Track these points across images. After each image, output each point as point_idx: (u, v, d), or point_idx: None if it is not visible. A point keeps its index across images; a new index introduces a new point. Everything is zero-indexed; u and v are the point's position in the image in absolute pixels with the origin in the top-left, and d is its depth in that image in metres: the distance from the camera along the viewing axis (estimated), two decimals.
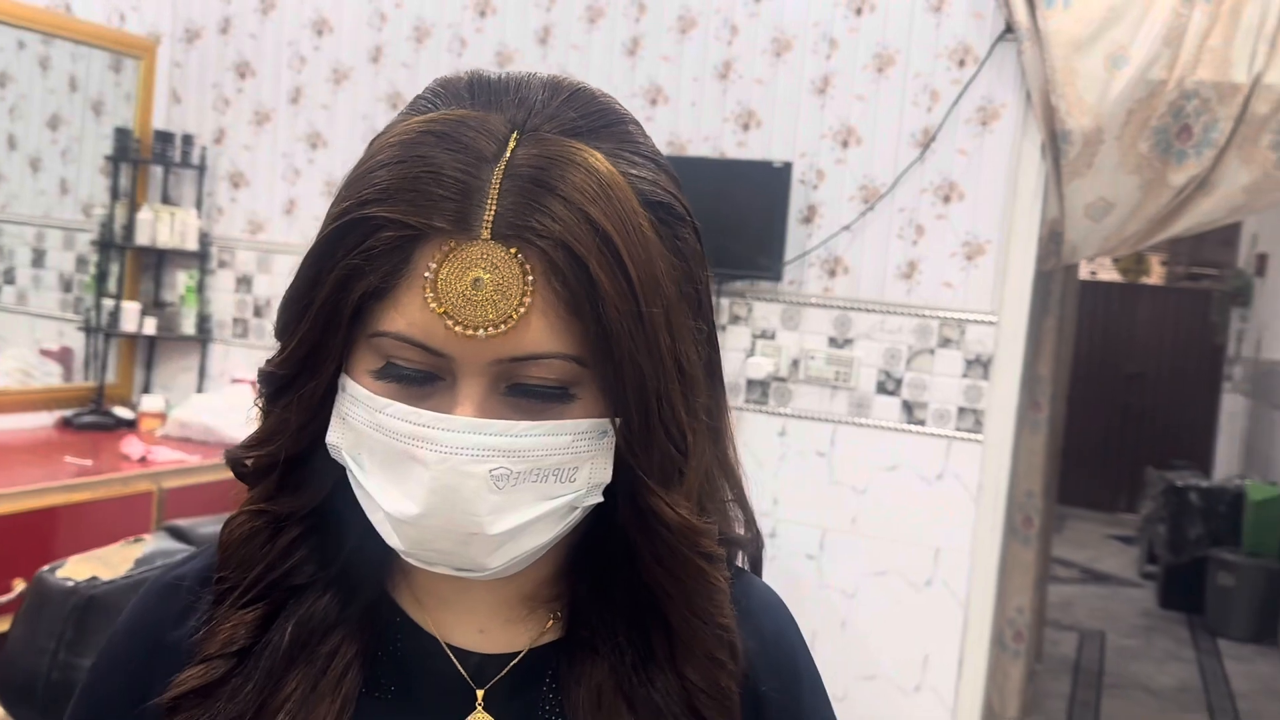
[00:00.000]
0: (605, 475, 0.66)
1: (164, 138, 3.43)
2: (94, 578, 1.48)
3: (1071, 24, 2.69)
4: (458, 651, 0.71)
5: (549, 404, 0.64)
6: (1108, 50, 2.69)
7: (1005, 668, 3.32)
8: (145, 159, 3.42)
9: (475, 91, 0.67)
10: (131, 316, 3.37)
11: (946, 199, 2.83)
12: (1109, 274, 9.52)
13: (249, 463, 0.71)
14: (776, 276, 2.92)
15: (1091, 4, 2.69)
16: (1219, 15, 2.65)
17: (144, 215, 3.37)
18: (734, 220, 2.88)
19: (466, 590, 0.71)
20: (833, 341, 2.94)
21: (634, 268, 0.63)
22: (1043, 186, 2.80)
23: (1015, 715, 3.34)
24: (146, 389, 3.55)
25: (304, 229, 3.42)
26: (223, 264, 3.54)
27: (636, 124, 0.69)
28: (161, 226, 3.38)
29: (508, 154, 0.62)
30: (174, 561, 0.77)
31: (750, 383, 3.02)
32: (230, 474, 0.72)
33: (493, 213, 0.61)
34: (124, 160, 3.37)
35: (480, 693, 0.70)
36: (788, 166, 2.89)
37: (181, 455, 2.91)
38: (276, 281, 3.45)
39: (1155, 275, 9.75)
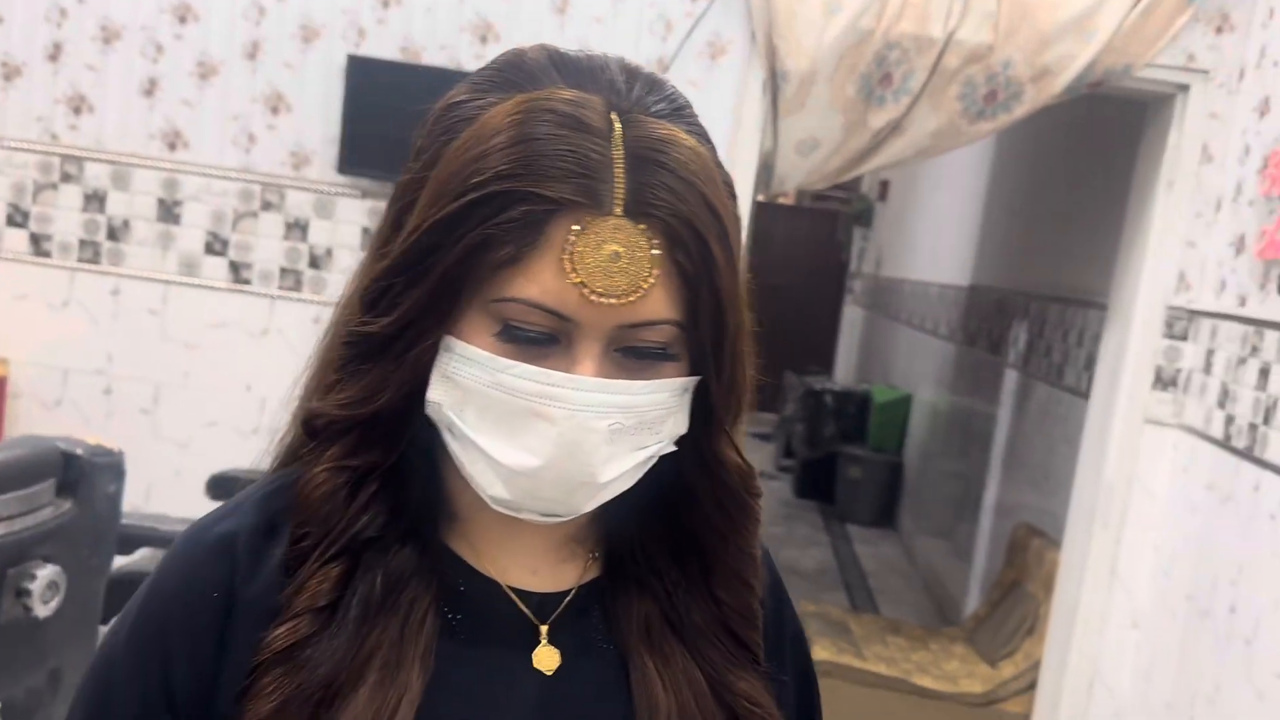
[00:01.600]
0: (683, 427, 0.73)
1: None
2: None
3: None
4: (518, 591, 0.76)
5: (653, 363, 0.70)
6: None
7: None
8: None
9: (564, 71, 0.71)
10: None
11: None
12: None
13: (323, 420, 0.71)
14: None
15: None
16: None
17: None
18: None
19: (518, 535, 0.76)
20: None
21: (735, 241, 0.70)
22: (762, 121, 3.01)
23: None
24: None
25: None
26: None
27: (690, 105, 0.75)
28: None
29: (616, 133, 0.67)
30: (208, 519, 0.75)
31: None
32: None
33: (622, 189, 0.65)
34: None
35: (544, 628, 0.76)
36: None
37: None
38: None
39: (789, 196, 10.57)
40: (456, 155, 0.67)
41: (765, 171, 3.11)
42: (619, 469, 0.70)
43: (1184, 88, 2.96)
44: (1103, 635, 3.12)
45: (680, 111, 0.72)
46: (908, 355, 7.12)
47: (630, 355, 0.69)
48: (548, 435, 0.67)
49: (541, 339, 0.67)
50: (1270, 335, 2.50)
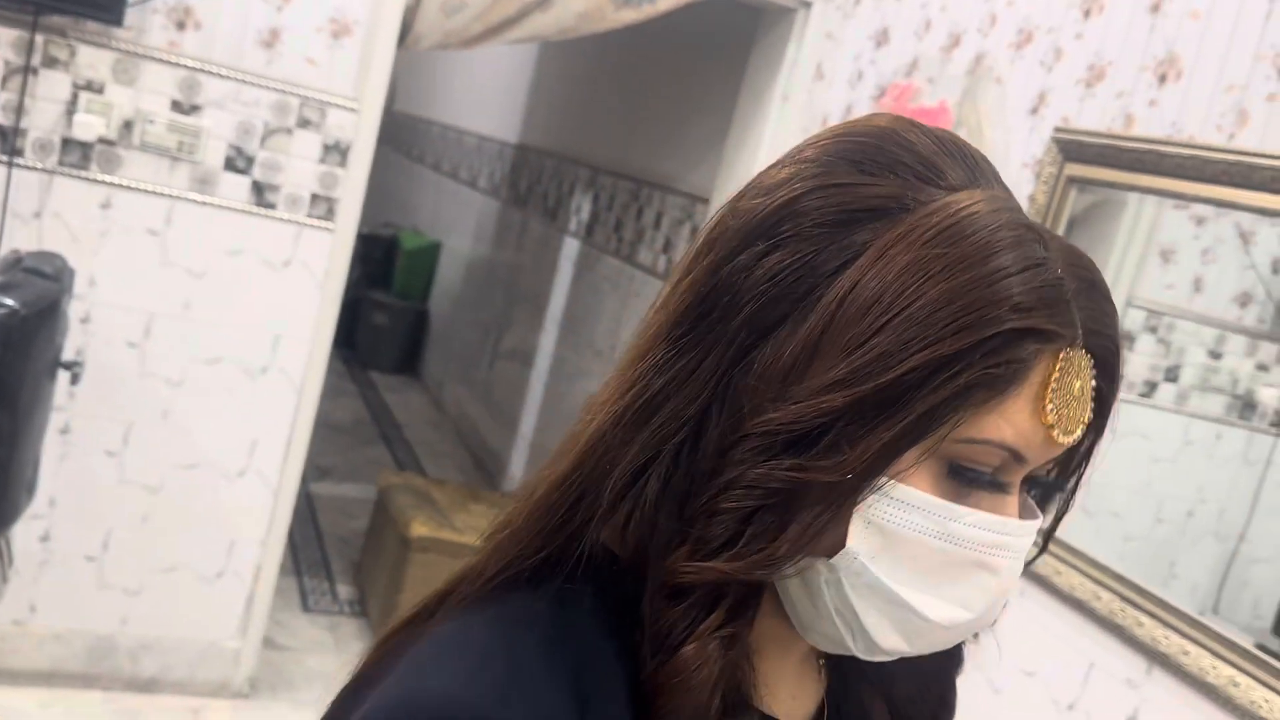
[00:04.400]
0: None
1: None
2: None
3: None
4: None
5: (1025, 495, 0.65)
6: None
7: None
8: None
9: (975, 170, 0.62)
10: None
11: None
12: None
13: (708, 579, 0.58)
14: (116, 19, 2.44)
15: None
16: None
17: None
18: None
19: (786, 659, 0.68)
20: (177, 106, 2.58)
21: None
22: None
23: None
24: None
25: None
26: None
27: None
28: None
29: (1052, 247, 0.60)
30: (465, 702, 0.55)
31: (68, 142, 2.52)
32: None
33: (1078, 316, 0.59)
34: None
35: None
36: None
37: None
38: None
39: None
40: (956, 274, 0.56)
41: (402, 28, 2.85)
42: None
43: (807, 5, 3.14)
44: None
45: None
46: (436, 202, 7.03)
47: (1029, 489, 0.64)
48: (988, 587, 0.61)
49: (993, 484, 0.60)
50: None
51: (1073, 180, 2.18)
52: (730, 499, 0.58)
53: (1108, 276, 0.62)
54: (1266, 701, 1.65)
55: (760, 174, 0.63)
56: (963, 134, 2.49)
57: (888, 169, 0.60)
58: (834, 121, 3.06)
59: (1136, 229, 2.22)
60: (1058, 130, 2.23)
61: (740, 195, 0.63)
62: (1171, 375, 2.25)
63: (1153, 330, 2.30)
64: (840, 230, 0.58)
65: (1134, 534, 2.19)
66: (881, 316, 0.56)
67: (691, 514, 0.59)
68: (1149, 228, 2.19)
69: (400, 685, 0.56)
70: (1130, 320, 2.22)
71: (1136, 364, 2.20)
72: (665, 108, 4.36)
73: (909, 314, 0.56)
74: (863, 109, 2.96)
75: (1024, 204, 2.28)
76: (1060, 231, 2.21)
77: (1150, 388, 2.23)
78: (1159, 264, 2.27)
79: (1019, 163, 2.36)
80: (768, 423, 0.58)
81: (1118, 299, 2.11)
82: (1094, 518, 2.13)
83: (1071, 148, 2.18)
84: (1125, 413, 2.09)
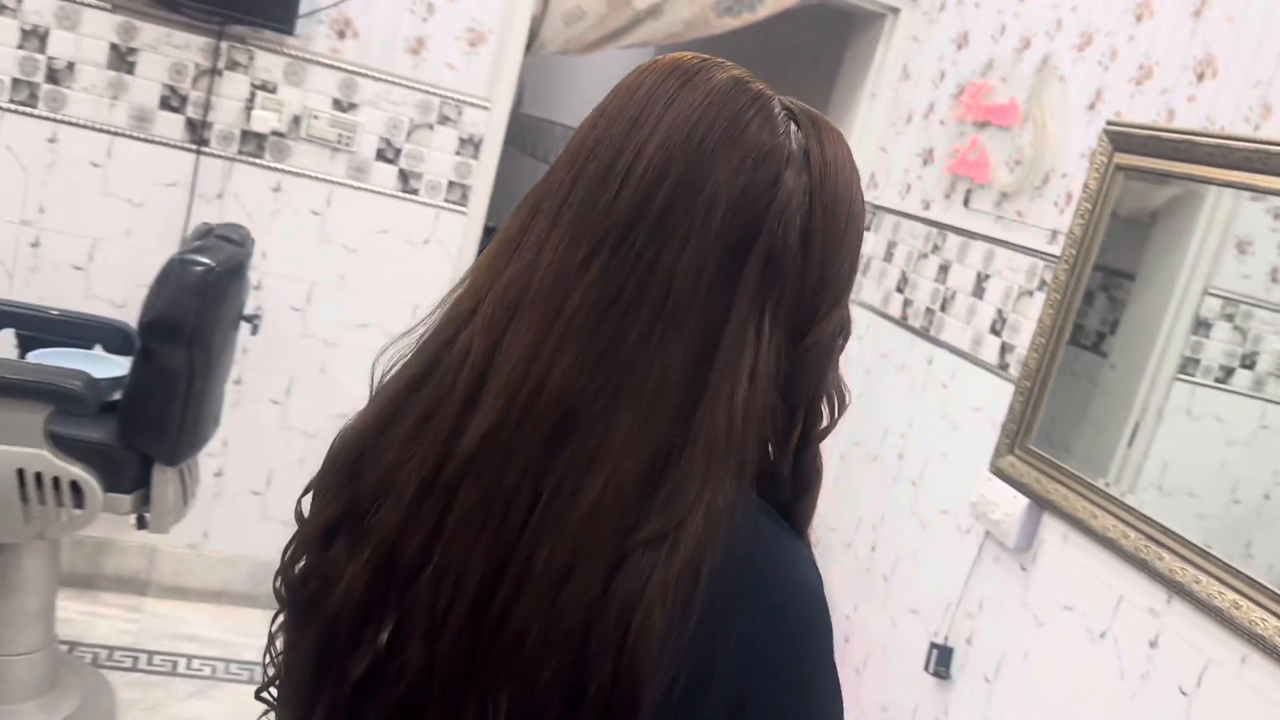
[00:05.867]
0: None
1: None
2: None
3: None
4: None
5: None
6: None
7: None
8: None
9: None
10: None
11: None
12: None
13: None
14: (289, 29, 2.87)
15: None
16: None
17: None
18: None
19: None
20: (337, 104, 3.01)
21: None
22: None
23: None
24: None
25: None
26: None
27: None
28: None
29: None
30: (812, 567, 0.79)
31: (246, 134, 2.96)
32: None
33: None
34: None
35: None
36: None
37: None
38: None
39: None
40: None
41: (529, 36, 3.23)
42: None
43: (895, 10, 3.42)
44: None
45: None
46: None
47: None
48: None
49: None
50: (952, 238, 3.06)
51: (1120, 168, 2.42)
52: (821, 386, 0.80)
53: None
54: (1263, 620, 1.88)
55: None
56: (1029, 129, 2.75)
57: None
58: (918, 119, 3.33)
59: (1214, 221, 2.32)
60: (1109, 124, 2.48)
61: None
62: (1248, 362, 2.37)
63: (1229, 318, 2.42)
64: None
65: (1208, 513, 2.24)
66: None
67: (796, 408, 0.79)
68: (1226, 220, 2.30)
69: (793, 566, 0.76)
70: (1207, 308, 2.37)
71: (1213, 350, 2.32)
72: None
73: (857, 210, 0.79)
74: (943, 107, 3.23)
75: (1078, 190, 2.53)
76: (1122, 220, 2.45)
77: (1226, 373, 2.37)
78: (1235, 255, 2.40)
79: (1076, 153, 2.60)
80: (826, 327, 0.77)
81: (1195, 288, 2.27)
82: (1169, 496, 2.26)
83: (1120, 139, 2.43)
84: (1201, 396, 2.27)
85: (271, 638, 0.83)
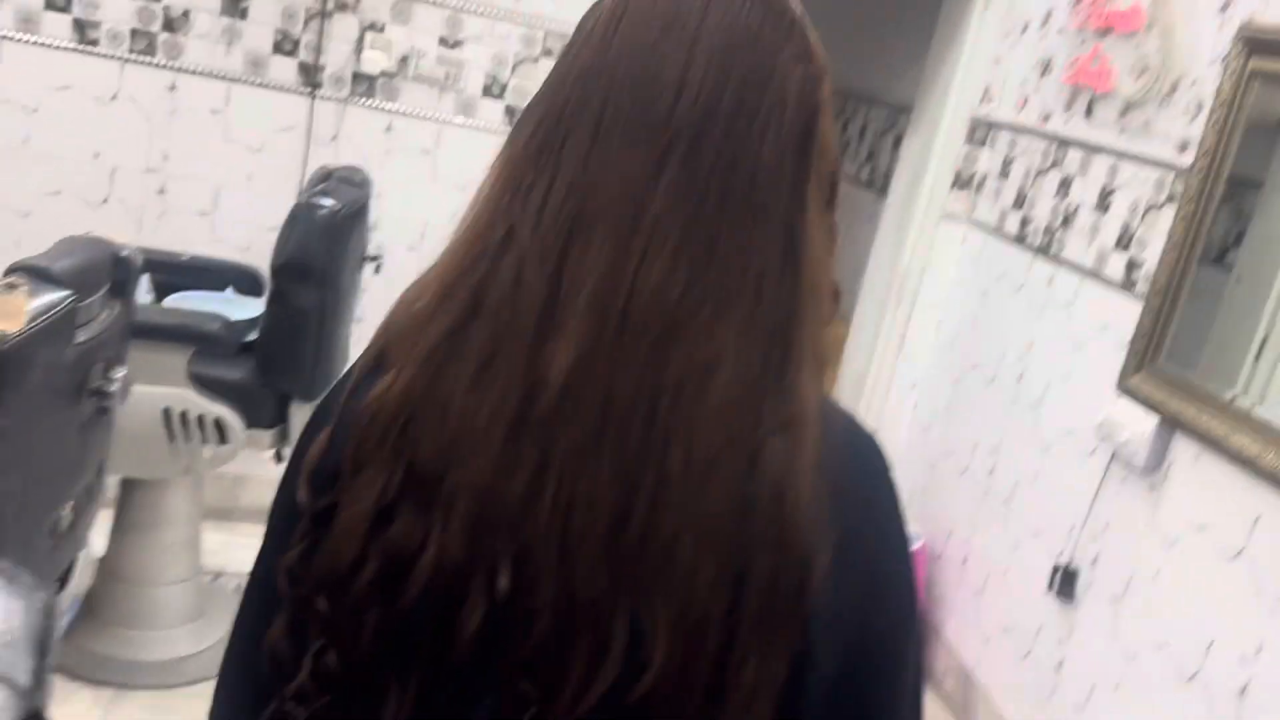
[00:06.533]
0: None
1: None
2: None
3: None
4: None
5: None
6: None
7: None
8: None
9: None
10: None
11: None
12: None
13: None
14: None
15: None
16: None
17: None
18: None
19: None
20: (443, 41, 3.02)
21: None
22: None
23: None
24: None
25: None
26: None
27: None
28: None
29: None
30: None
31: (357, 76, 3.00)
32: None
33: None
34: None
35: None
36: None
37: None
38: None
39: None
40: None
41: None
42: None
43: None
44: (886, 398, 3.68)
45: None
46: None
47: None
48: None
49: None
50: (1073, 151, 2.97)
51: (1255, 74, 2.32)
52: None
53: None
54: None
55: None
56: (1154, 34, 2.64)
57: None
58: (1034, 28, 3.22)
59: None
60: (1243, 27, 2.36)
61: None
62: None
63: None
64: None
65: None
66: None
67: None
68: None
69: (864, 428, 0.80)
70: None
71: None
72: (869, 22, 4.55)
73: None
74: (1062, 14, 3.11)
75: (1209, 98, 2.43)
76: (1250, 127, 2.34)
77: None
78: None
79: (1206, 60, 2.50)
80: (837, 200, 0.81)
81: None
82: None
83: (1256, 43, 2.32)
84: None
85: (314, 653, 0.75)
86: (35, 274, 1.40)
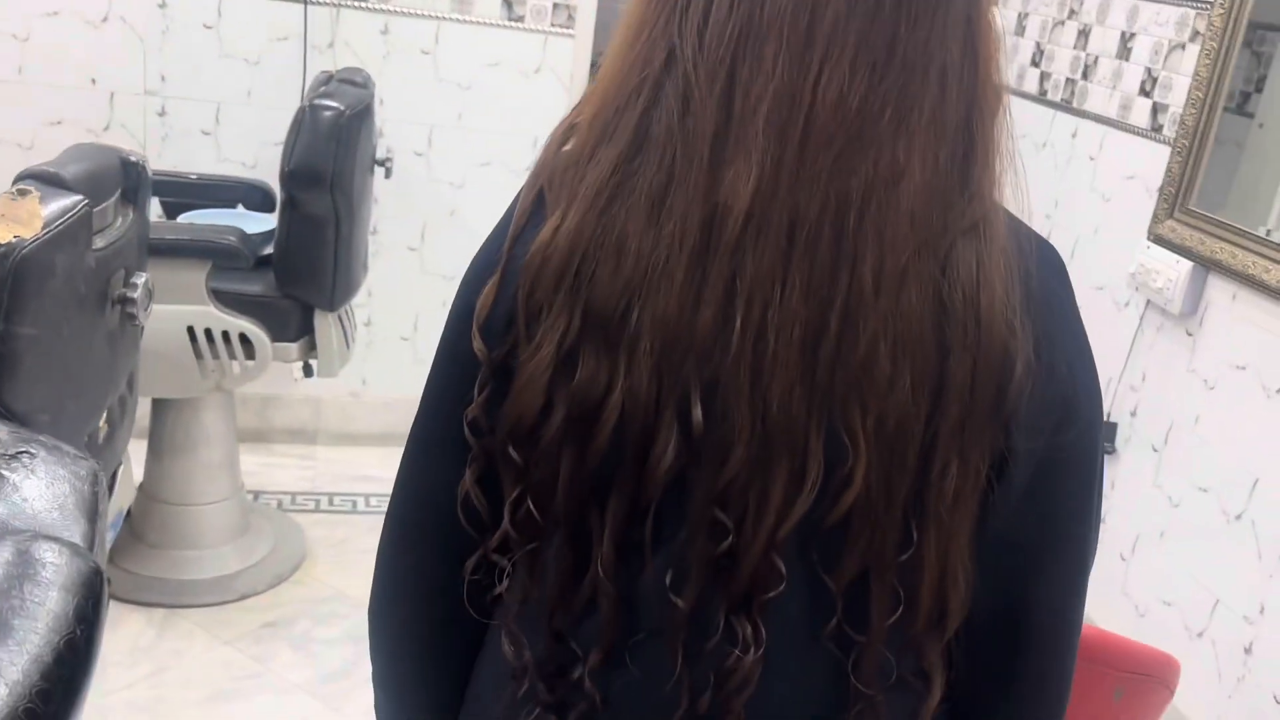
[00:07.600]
0: None
1: None
2: (17, 238, 1.32)
3: None
4: None
5: None
6: None
7: None
8: None
9: None
10: None
11: None
12: None
13: None
14: None
15: None
16: None
17: None
18: None
19: None
20: None
21: None
22: None
23: None
24: None
25: None
26: None
27: None
28: None
29: None
30: None
31: None
32: None
33: None
34: None
35: None
36: None
37: None
38: None
39: None
40: None
41: None
42: None
43: None
44: None
45: None
46: None
47: None
48: None
49: None
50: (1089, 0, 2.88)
51: None
52: None
53: None
54: None
55: None
56: None
57: None
58: None
59: None
60: None
61: None
62: None
63: None
64: None
65: None
66: None
67: None
68: None
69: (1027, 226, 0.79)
70: None
71: None
72: None
73: None
74: None
75: None
76: None
77: None
78: None
79: None
80: None
81: None
82: None
83: None
84: None
85: (511, 506, 0.75)
86: (46, 180, 1.37)
